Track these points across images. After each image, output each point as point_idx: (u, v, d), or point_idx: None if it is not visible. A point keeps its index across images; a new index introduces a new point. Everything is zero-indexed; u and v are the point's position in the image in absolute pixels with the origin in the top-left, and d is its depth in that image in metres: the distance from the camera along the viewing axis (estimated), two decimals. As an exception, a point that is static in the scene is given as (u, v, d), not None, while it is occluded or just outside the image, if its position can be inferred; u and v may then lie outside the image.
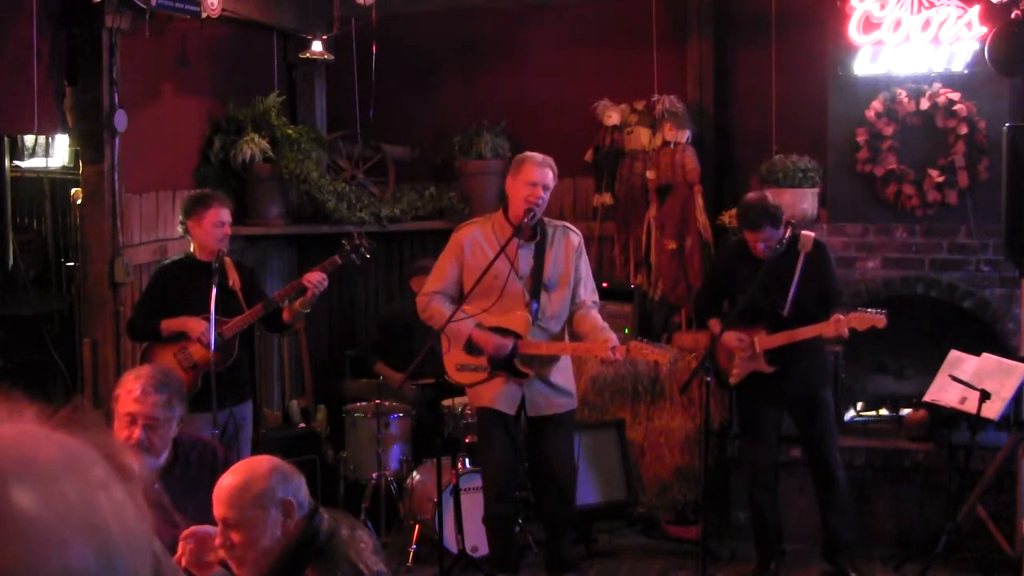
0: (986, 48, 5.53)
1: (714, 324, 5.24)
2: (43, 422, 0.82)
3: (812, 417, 5.19)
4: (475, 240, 4.88)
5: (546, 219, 4.94)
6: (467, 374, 4.89)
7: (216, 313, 4.75)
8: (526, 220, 4.77)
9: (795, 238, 5.07)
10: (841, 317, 4.84)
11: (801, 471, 5.62)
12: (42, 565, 0.73)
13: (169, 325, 4.94)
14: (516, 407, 4.88)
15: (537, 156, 4.88)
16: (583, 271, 4.96)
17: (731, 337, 5.11)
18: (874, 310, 4.86)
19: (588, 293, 4.97)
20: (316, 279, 4.99)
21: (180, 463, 3.55)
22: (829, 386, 5.41)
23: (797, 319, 5.01)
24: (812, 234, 5.10)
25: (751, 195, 5.29)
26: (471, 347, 4.85)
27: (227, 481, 2.77)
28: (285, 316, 5.15)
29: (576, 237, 4.96)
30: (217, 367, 4.82)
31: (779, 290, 5.04)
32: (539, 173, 4.78)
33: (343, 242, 5.18)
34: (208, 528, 2.87)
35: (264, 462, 2.81)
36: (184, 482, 3.49)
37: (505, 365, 4.82)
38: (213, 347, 4.74)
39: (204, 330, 4.80)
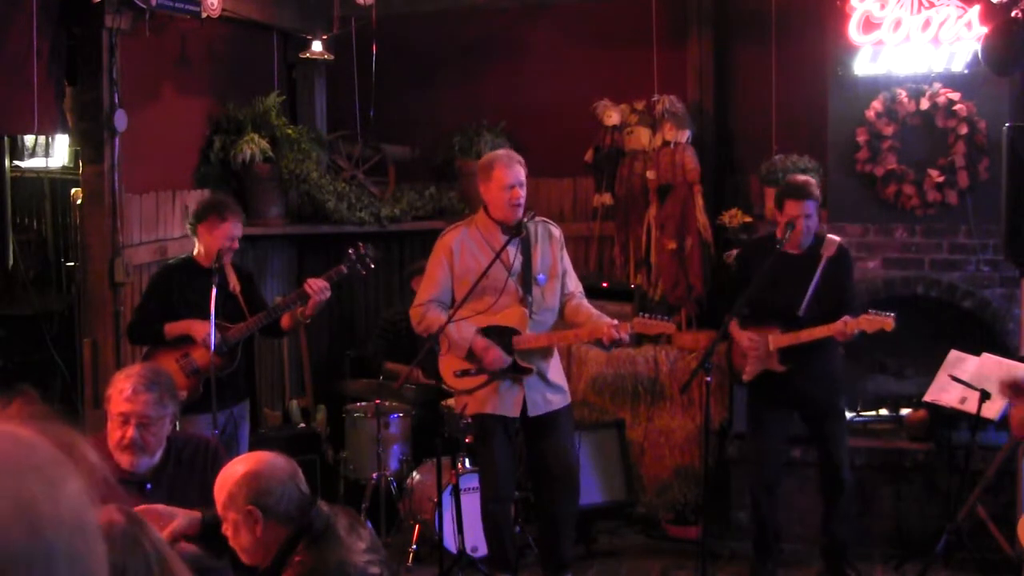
0: (980, 47, 5.53)
1: (733, 323, 5.22)
2: None
3: (825, 425, 5.18)
4: (463, 243, 4.89)
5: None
6: (466, 380, 4.87)
7: (217, 316, 4.73)
8: (524, 219, 4.80)
9: (820, 240, 5.09)
10: (850, 319, 4.85)
11: (801, 471, 5.63)
12: None
13: (173, 329, 4.92)
14: (520, 407, 4.87)
15: (502, 156, 4.90)
16: (567, 262, 5.03)
17: (743, 336, 5.12)
18: (883, 313, 4.86)
19: (575, 284, 5.04)
20: (320, 286, 4.91)
21: (174, 460, 3.55)
22: (844, 394, 5.39)
23: (812, 321, 5.00)
24: (837, 239, 5.13)
25: (794, 174, 5.44)
26: (472, 355, 4.85)
27: (219, 473, 2.83)
28: (285, 323, 5.13)
29: (557, 230, 5.03)
30: (220, 372, 4.81)
31: (796, 290, 5.04)
32: (512, 174, 4.80)
33: (348, 252, 5.11)
34: (161, 508, 3.01)
35: (240, 466, 2.79)
36: (179, 479, 3.50)
37: (506, 367, 4.82)
38: (215, 349, 4.72)
39: (209, 332, 4.78)
